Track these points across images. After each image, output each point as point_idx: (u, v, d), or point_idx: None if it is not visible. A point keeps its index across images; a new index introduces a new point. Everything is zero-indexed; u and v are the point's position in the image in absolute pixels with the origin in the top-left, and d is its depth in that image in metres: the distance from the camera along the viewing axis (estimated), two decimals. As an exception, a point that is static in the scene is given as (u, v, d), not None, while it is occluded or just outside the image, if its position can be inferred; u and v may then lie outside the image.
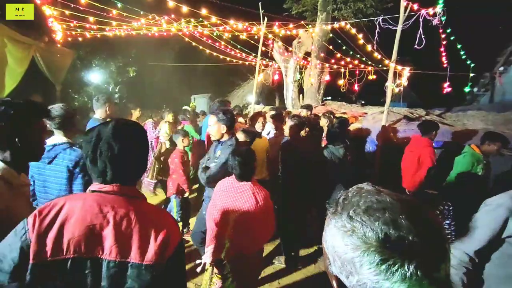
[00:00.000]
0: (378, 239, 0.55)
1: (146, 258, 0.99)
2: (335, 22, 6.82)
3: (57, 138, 2.23)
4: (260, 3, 7.49)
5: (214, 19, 6.51)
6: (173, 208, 4.12)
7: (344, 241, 0.59)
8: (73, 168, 2.10)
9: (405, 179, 4.25)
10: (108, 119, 3.31)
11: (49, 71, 6.52)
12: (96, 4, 5.21)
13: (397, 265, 0.52)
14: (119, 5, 5.32)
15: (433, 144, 4.16)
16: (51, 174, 2.13)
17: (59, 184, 2.11)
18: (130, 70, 13.53)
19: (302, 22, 7.48)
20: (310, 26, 8.21)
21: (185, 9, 5.90)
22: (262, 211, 2.26)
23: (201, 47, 9.18)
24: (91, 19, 5.73)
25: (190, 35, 8.39)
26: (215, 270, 2.42)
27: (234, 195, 2.28)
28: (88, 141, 1.08)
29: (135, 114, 5.70)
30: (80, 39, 7.40)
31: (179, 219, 4.14)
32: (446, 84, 6.09)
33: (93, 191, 1.06)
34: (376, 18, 5.57)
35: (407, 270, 0.52)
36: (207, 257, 2.36)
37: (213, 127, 2.73)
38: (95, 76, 12.58)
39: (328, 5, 9.47)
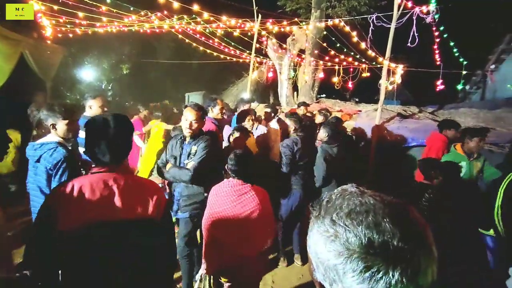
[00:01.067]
0: (361, 245, 0.52)
1: (148, 213, 1.35)
2: (329, 20, 6.80)
3: (49, 137, 2.26)
4: (254, 0, 7.45)
5: (206, 15, 6.43)
6: None
7: (327, 247, 0.56)
8: (51, 170, 2.10)
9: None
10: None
11: (38, 68, 6.37)
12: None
13: (381, 272, 0.50)
14: (108, 0, 5.23)
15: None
16: (37, 173, 2.15)
17: (41, 182, 2.12)
18: (123, 67, 13.39)
19: (296, 19, 7.45)
20: (304, 23, 8.18)
21: (177, 5, 5.81)
22: (263, 214, 2.23)
23: (194, 44, 9.09)
24: (81, 14, 5.63)
25: (183, 32, 8.30)
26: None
27: (235, 198, 2.22)
28: (91, 132, 1.38)
29: (143, 113, 6.09)
30: (70, 35, 7.26)
31: None
32: (439, 82, 6.13)
33: (93, 173, 1.35)
34: (370, 16, 5.57)
35: (391, 277, 0.50)
36: (203, 269, 2.31)
37: (197, 123, 2.71)
38: (87, 74, 12.40)
39: (322, 3, 9.45)
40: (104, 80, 13.12)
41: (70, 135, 2.36)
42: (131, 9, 5.97)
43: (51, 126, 2.25)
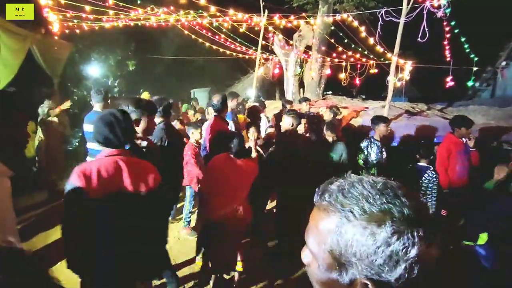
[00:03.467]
0: (397, 220, 0.54)
1: (148, 186, 1.84)
2: (337, 14, 6.69)
3: None
4: (260, -5, 7.37)
5: (213, 9, 6.37)
6: (186, 198, 4.12)
7: (368, 238, 0.54)
8: None
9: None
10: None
11: (46, 63, 6.40)
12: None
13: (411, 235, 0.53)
14: None
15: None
16: None
17: None
18: (130, 63, 13.38)
19: (304, 14, 7.35)
20: (311, 18, 8.07)
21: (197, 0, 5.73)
22: (244, 176, 2.77)
23: (200, 40, 9.05)
24: (87, 8, 5.61)
25: (189, 28, 8.25)
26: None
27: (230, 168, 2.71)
28: (104, 123, 1.77)
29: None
30: (77, 31, 7.27)
31: (191, 209, 4.14)
32: (449, 78, 6.00)
33: (107, 156, 1.77)
34: (378, 11, 5.46)
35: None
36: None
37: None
38: (93, 70, 12.42)
39: (329, -2, 9.33)
40: (111, 76, 13.14)
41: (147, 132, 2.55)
42: (138, 2, 5.94)
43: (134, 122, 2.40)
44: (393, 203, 0.55)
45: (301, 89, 10.53)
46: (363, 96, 12.84)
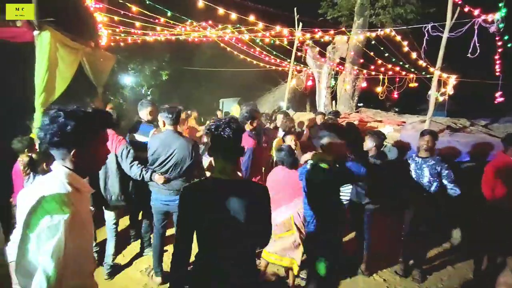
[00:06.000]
0: None
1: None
2: (379, 29, 6.57)
3: None
4: (295, 8, 7.41)
5: (253, 19, 6.47)
6: None
7: None
8: None
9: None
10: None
11: (93, 74, 6.76)
12: (145, 11, 5.35)
13: None
14: (168, 13, 5.44)
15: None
16: None
17: None
18: (163, 73, 13.87)
19: (343, 29, 7.30)
20: (351, 31, 7.97)
21: (234, 16, 5.90)
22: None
23: (236, 52, 9.20)
24: (137, 24, 5.90)
25: (224, 40, 8.43)
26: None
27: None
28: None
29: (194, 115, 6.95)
30: (122, 44, 7.64)
31: None
32: (498, 93, 5.69)
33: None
34: (423, 26, 5.30)
35: None
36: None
37: None
38: (129, 79, 13.00)
39: (365, 10, 9.22)
40: (145, 85, 13.67)
41: None
42: (188, 21, 6.15)
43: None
44: None
45: (333, 102, 10.41)
46: (396, 109, 12.47)
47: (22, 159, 3.31)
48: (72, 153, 1.29)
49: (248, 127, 3.81)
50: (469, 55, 4.82)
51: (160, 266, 3.42)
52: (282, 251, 3.10)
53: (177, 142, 3.14)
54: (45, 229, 1.12)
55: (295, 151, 3.61)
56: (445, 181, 3.46)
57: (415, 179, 3.65)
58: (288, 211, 3.11)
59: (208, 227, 1.58)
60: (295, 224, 3.07)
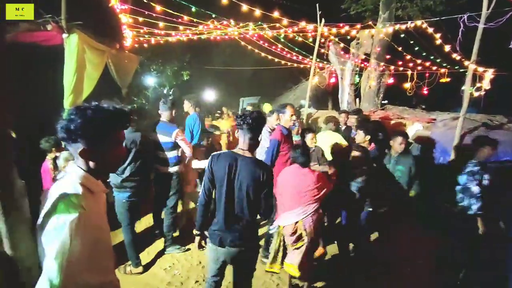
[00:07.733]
0: None
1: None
2: (410, 22, 6.23)
3: None
4: (317, 4, 7.20)
5: (275, 15, 6.32)
6: None
7: None
8: None
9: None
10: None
11: (118, 75, 6.89)
12: (169, 10, 5.35)
13: None
14: (193, 9, 5.41)
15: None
16: None
17: None
18: (184, 73, 13.99)
19: (371, 23, 7.01)
20: (381, 26, 7.63)
21: (256, 12, 5.81)
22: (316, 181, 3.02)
23: (256, 50, 9.10)
24: (161, 24, 5.93)
25: (247, 39, 8.35)
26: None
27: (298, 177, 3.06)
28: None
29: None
30: (145, 45, 7.73)
31: None
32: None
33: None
34: (459, 16, 4.97)
35: None
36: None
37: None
38: (151, 80, 13.21)
39: (391, 3, 8.82)
40: (167, 85, 13.86)
41: None
42: (214, 16, 6.11)
43: None
44: None
45: (357, 99, 10.08)
46: (423, 106, 11.91)
47: (50, 158, 3.42)
48: (79, 151, 1.26)
49: (275, 121, 3.92)
50: (510, 46, 4.45)
51: None
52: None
53: None
54: (51, 230, 1.11)
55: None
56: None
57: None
58: (292, 218, 3.01)
59: (220, 185, 2.17)
60: (305, 230, 2.98)
